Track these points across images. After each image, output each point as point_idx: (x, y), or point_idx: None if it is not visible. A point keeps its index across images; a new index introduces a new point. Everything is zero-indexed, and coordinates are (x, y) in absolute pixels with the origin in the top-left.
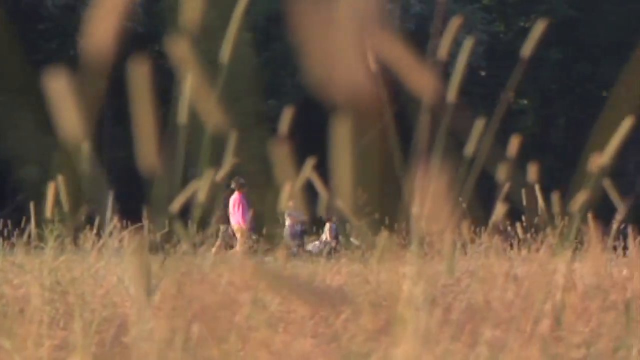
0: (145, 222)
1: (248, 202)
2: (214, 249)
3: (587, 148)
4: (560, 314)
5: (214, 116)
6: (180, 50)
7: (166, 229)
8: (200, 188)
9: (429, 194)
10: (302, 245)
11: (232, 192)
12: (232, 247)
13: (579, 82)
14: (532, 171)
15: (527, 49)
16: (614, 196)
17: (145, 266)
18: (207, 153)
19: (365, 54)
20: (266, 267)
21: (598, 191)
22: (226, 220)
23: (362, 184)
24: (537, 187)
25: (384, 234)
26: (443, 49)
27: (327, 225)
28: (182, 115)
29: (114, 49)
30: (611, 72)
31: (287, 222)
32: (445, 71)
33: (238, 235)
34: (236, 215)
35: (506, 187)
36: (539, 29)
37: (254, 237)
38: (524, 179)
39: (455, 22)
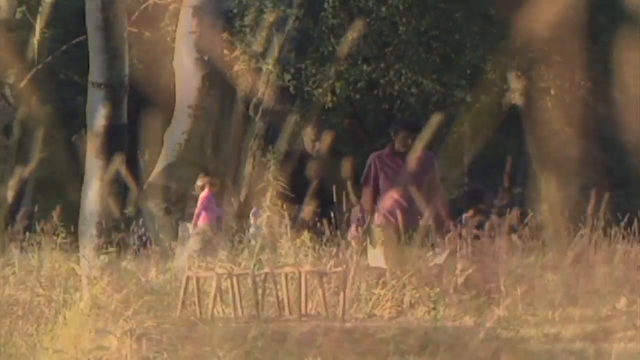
0: None
1: (214, 201)
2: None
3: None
4: None
5: (30, 112)
6: None
7: None
8: (9, 186)
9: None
10: None
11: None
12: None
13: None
14: (346, 167)
15: (344, 48)
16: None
17: None
18: (15, 150)
19: (182, 50)
20: None
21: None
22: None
23: (177, 180)
24: (335, 188)
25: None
26: (258, 45)
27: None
28: None
29: None
30: (415, 68)
31: (251, 221)
32: (258, 68)
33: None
34: (202, 214)
35: (315, 184)
36: (356, 28)
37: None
38: (335, 175)
39: (269, 18)
